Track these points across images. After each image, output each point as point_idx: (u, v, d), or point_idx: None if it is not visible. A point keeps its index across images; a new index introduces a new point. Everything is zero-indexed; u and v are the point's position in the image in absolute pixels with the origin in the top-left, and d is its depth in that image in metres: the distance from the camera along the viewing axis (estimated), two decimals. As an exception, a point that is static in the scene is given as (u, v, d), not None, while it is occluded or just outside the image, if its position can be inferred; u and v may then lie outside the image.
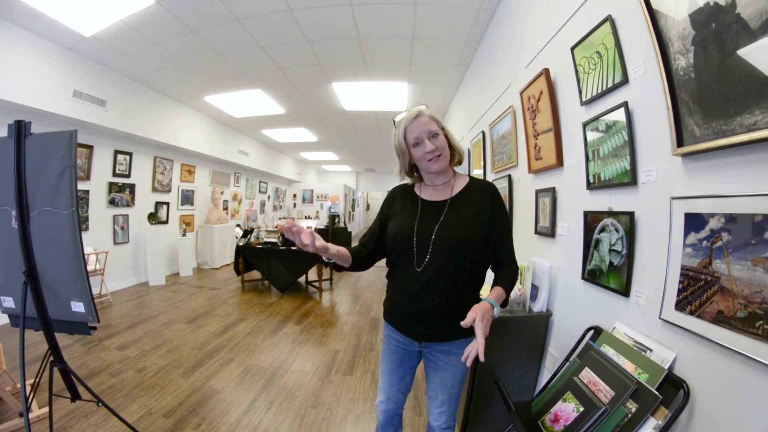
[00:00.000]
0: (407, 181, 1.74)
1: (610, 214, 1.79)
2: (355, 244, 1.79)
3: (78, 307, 2.00)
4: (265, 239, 6.75)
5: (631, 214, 1.64)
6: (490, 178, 3.86)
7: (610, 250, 1.77)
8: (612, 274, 1.76)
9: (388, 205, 1.70)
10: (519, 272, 1.81)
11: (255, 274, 7.34)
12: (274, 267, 6.35)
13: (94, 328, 2.08)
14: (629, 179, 1.65)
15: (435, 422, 1.66)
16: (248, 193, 12.05)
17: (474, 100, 4.81)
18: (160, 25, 4.30)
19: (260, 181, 12.98)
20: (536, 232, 2.67)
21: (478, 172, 4.34)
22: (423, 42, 4.60)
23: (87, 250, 5.75)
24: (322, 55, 5.03)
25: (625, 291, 1.66)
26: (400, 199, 1.68)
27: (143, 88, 6.37)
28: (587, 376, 1.57)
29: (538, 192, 2.64)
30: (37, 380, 2.32)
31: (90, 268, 5.63)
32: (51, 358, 2.12)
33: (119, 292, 6.39)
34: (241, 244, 6.80)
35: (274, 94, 6.69)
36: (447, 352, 1.59)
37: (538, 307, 2.35)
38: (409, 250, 1.54)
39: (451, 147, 1.59)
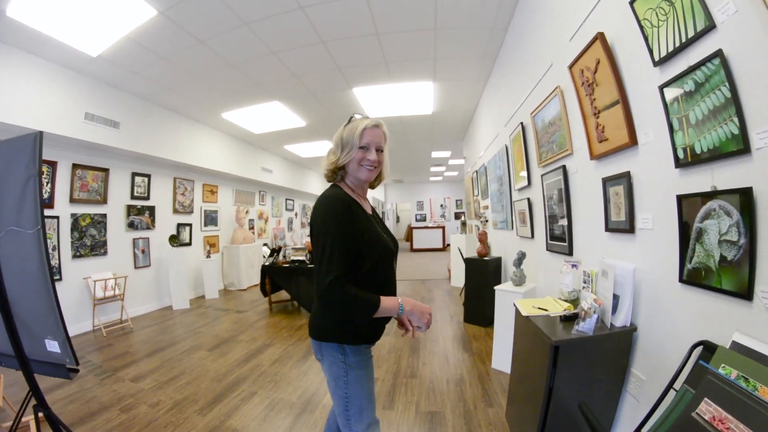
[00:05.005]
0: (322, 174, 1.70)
1: (716, 194, 1.41)
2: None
3: (53, 346, 1.65)
4: (293, 257, 6.41)
5: (746, 191, 1.28)
6: (536, 173, 3.39)
7: (721, 242, 1.40)
8: (725, 272, 1.38)
9: (350, 218, 1.47)
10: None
11: (283, 295, 6.95)
12: (303, 286, 5.97)
13: (75, 371, 1.71)
14: (739, 146, 1.30)
15: None
16: (275, 212, 11.84)
17: (507, 91, 4.38)
18: (166, 38, 4.10)
19: (286, 199, 12.80)
20: (608, 228, 2.19)
21: (521, 174, 3.89)
22: (446, 33, 4.22)
23: (105, 275, 5.64)
24: (340, 56, 4.70)
25: (746, 292, 1.29)
26: (357, 209, 1.55)
27: (157, 108, 6.24)
28: (709, 410, 1.15)
29: (606, 180, 2.18)
30: (14, 425, 1.98)
31: (109, 293, 5.52)
32: (34, 402, 1.76)
33: (141, 318, 6.16)
34: (267, 263, 6.47)
35: (293, 105, 6.40)
36: None
37: (621, 320, 1.90)
38: (392, 261, 1.63)
39: (382, 170, 1.67)
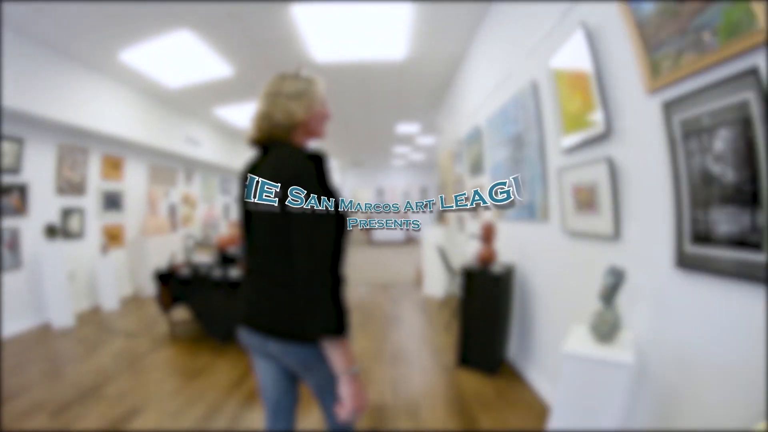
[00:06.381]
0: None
1: None
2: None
3: None
4: (195, 258, 4.57)
5: None
6: (636, 107, 1.67)
7: None
8: None
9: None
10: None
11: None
12: (215, 302, 4.06)
13: None
14: None
15: None
16: (205, 195, 9.73)
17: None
18: None
19: (222, 179, 10.70)
20: None
21: (585, 119, 2.24)
22: None
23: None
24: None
25: None
26: None
27: (28, 42, 4.27)
28: None
29: None
30: None
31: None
32: None
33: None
34: (164, 267, 4.54)
35: (210, 37, 4.43)
36: None
37: None
38: None
39: None
